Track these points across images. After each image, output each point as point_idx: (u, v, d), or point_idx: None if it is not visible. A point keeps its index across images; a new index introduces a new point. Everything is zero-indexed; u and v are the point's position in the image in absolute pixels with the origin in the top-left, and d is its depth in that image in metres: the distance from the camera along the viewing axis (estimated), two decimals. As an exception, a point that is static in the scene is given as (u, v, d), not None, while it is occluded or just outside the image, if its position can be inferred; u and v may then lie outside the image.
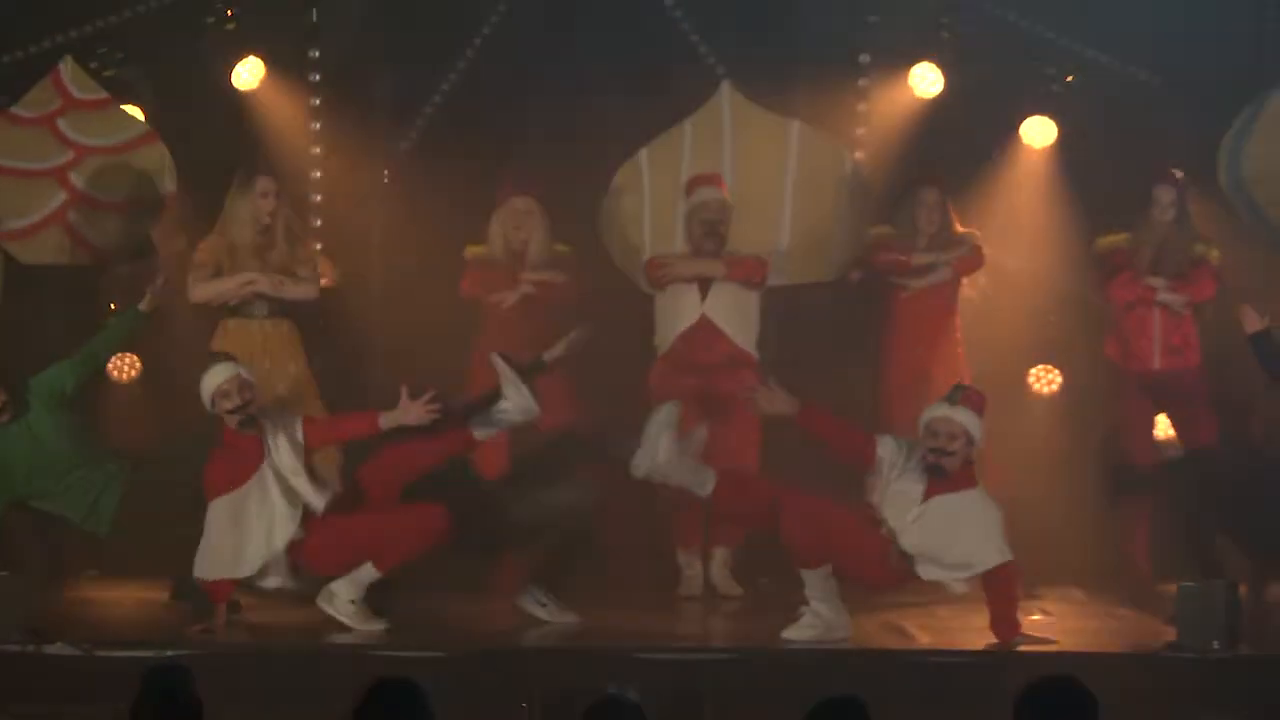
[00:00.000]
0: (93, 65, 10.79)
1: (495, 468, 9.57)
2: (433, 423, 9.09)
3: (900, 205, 10.57)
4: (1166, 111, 10.87)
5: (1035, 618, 9.57)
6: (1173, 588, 9.50)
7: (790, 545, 9.02)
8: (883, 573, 9.07)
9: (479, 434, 9.12)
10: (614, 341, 10.19)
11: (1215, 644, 8.75)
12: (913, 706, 7.56)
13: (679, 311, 10.11)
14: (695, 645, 9.12)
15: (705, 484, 8.93)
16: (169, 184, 10.61)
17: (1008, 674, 7.67)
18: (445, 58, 11.09)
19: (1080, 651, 8.96)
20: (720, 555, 10.16)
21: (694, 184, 10.28)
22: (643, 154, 10.77)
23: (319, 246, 10.82)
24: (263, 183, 10.16)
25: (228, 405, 9.10)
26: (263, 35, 11.00)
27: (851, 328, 10.93)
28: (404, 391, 9.11)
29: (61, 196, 10.60)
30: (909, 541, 8.83)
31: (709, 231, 10.11)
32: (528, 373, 9.16)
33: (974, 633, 9.07)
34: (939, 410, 8.97)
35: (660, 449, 8.83)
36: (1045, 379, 10.83)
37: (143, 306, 9.84)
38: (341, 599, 9.03)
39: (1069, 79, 10.94)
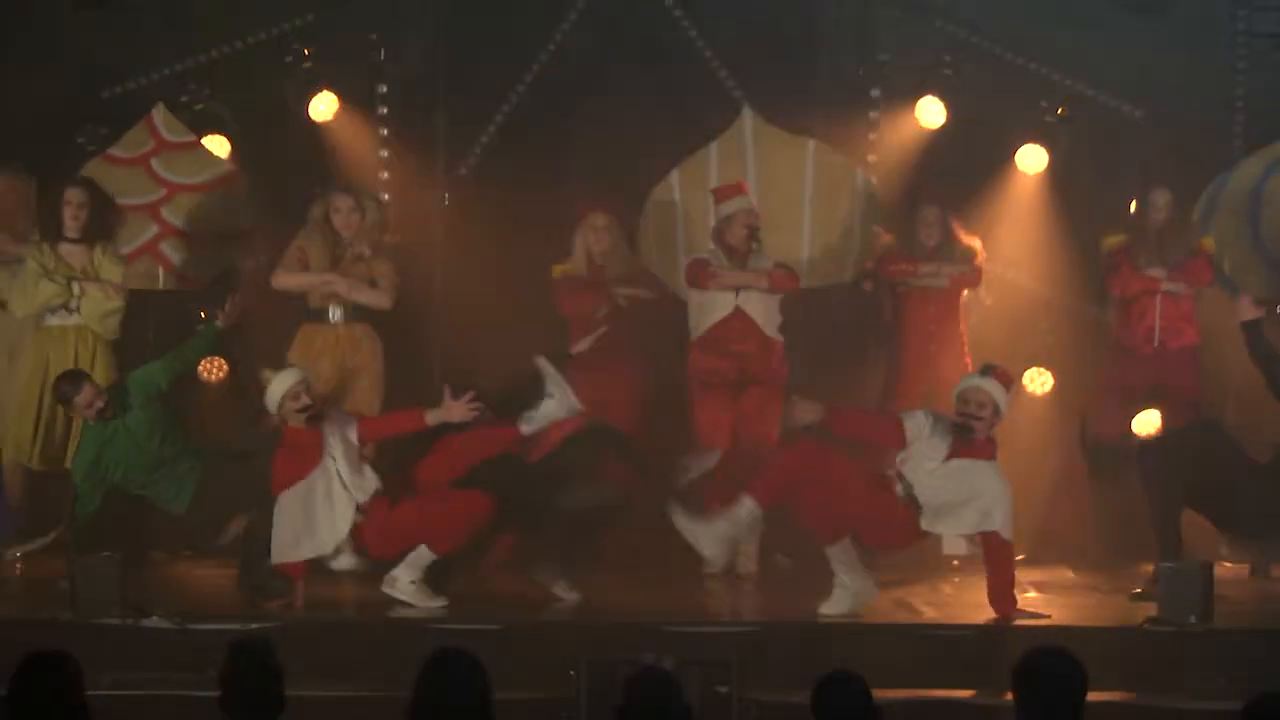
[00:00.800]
0: (183, 100, 10.82)
1: (537, 451, 9.48)
2: (474, 418, 9.13)
3: (904, 222, 10.55)
4: (1150, 141, 10.86)
5: (1030, 595, 9.56)
6: (1148, 567, 9.59)
7: (809, 528, 9.05)
8: (897, 534, 9.08)
9: (525, 429, 9.10)
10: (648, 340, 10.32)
11: (1192, 618, 8.74)
12: (921, 675, 7.56)
13: (715, 305, 10.03)
14: (723, 619, 9.08)
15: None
16: (248, 217, 10.62)
17: (1005, 646, 7.66)
18: (498, 94, 11.11)
19: (1070, 625, 8.94)
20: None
21: (724, 193, 10.17)
22: (675, 172, 10.76)
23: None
24: (339, 199, 10.18)
25: (295, 406, 9.11)
26: (336, 73, 10.98)
27: (864, 326, 10.93)
28: (447, 392, 9.13)
29: (154, 229, 10.63)
30: (922, 494, 8.82)
31: (751, 234, 10.05)
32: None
33: (975, 608, 9.06)
34: (972, 381, 9.00)
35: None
36: (1039, 380, 10.80)
37: (219, 323, 9.88)
38: (403, 581, 9.03)
39: (1060, 111, 10.90)
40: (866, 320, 10.92)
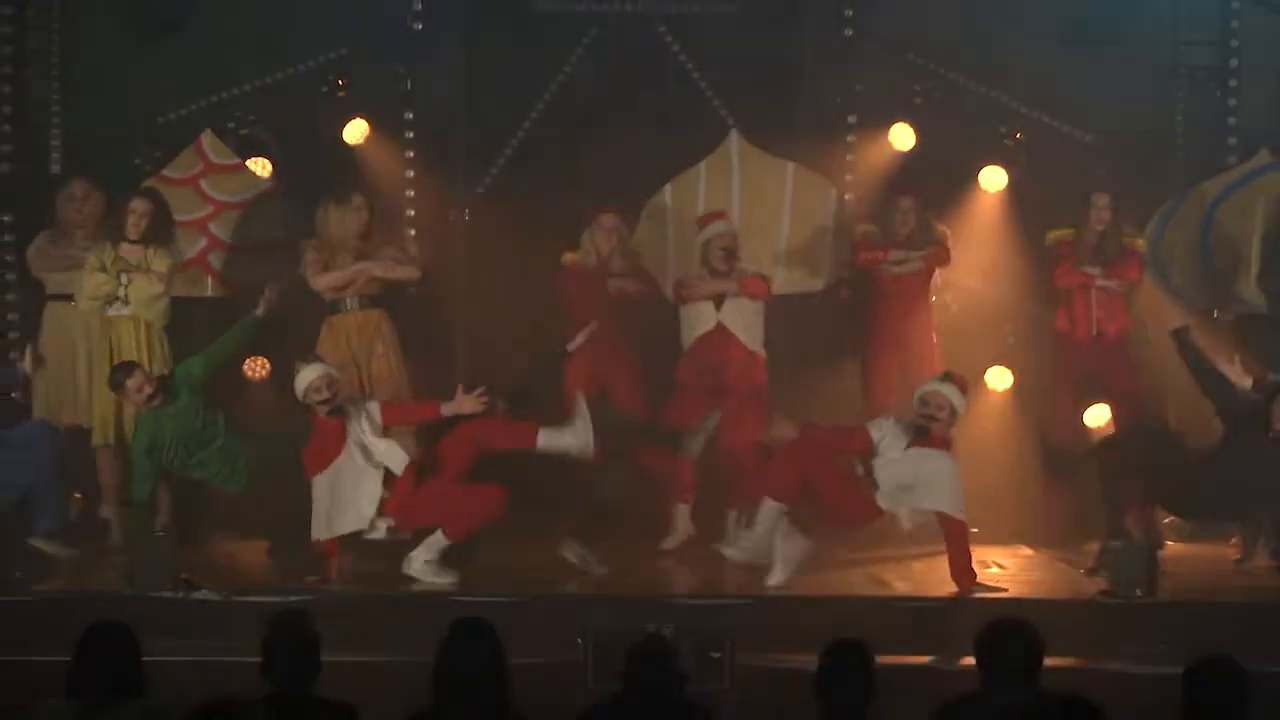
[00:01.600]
0: (230, 125, 10.82)
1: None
2: (486, 411, 9.11)
3: (882, 211, 10.54)
4: (1098, 162, 10.85)
5: (991, 570, 9.56)
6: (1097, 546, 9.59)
7: (827, 514, 9.08)
8: (859, 512, 9.08)
9: (540, 443, 9.06)
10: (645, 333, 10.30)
11: (1138, 592, 8.76)
12: (893, 643, 7.55)
13: (699, 320, 10.03)
14: (717, 593, 9.05)
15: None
16: (285, 231, 10.59)
17: (968, 616, 7.65)
18: (513, 119, 11.09)
19: (1029, 598, 8.95)
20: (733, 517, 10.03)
21: (707, 219, 10.23)
22: (667, 188, 10.75)
23: (412, 232, 10.86)
24: (356, 198, 10.18)
25: (318, 398, 9.14)
26: (367, 101, 10.97)
27: (839, 329, 10.90)
28: (460, 388, 9.17)
29: (203, 243, 10.61)
30: (880, 477, 8.89)
31: (727, 255, 10.06)
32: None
33: (942, 583, 9.04)
34: (931, 386, 9.08)
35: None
36: (999, 377, 10.79)
37: (258, 313, 9.86)
38: (418, 561, 9.03)
39: (1018, 136, 10.91)
40: (844, 325, 10.89)
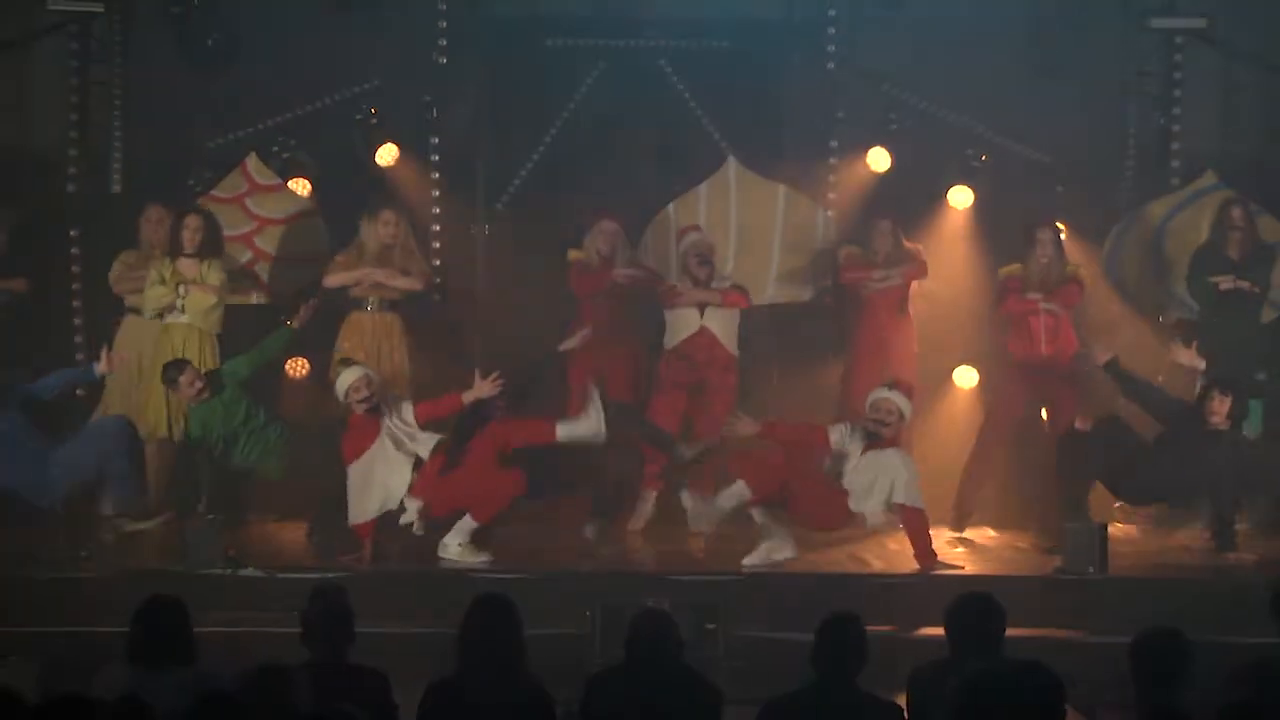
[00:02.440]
0: (274, 149, 10.81)
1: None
2: (510, 403, 9.14)
3: (861, 232, 10.51)
4: (1056, 182, 10.85)
5: (959, 550, 9.56)
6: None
7: (802, 515, 9.08)
8: (834, 517, 9.09)
9: (559, 434, 9.06)
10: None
11: (1091, 569, 8.76)
12: (871, 614, 7.54)
13: (685, 323, 10.02)
14: (711, 570, 9.04)
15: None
16: (323, 244, 10.61)
17: (939, 590, 7.66)
18: (529, 143, 11.06)
19: (992, 574, 8.97)
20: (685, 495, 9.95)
21: (683, 232, 10.25)
22: (672, 206, 10.74)
23: (437, 262, 10.83)
24: (386, 214, 10.20)
25: (357, 397, 9.14)
26: (397, 127, 10.94)
27: (824, 336, 10.86)
28: (477, 374, 9.21)
29: (249, 255, 10.63)
30: (848, 482, 8.91)
31: (702, 261, 10.04)
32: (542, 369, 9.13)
33: (913, 561, 9.03)
34: (880, 393, 9.09)
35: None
36: (966, 376, 10.78)
37: (294, 324, 9.88)
38: (452, 546, 9.04)
39: (984, 158, 10.89)
40: (828, 330, 10.86)
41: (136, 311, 10.17)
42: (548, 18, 11.33)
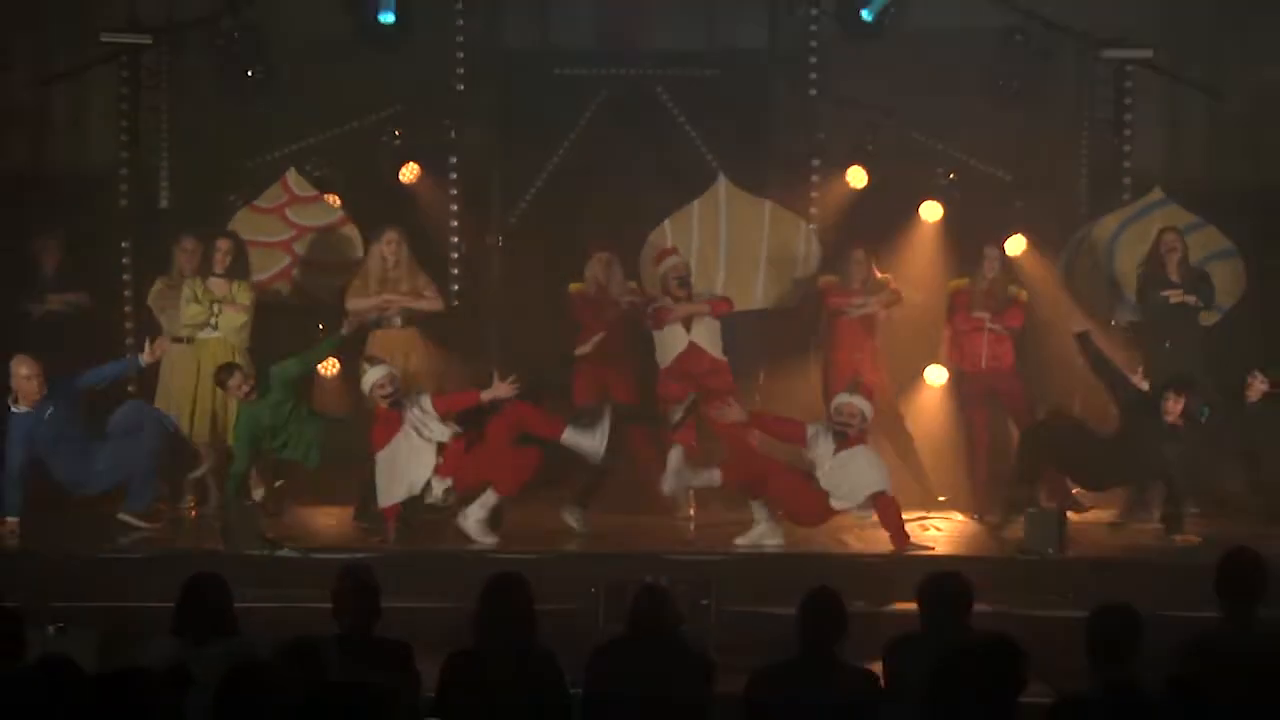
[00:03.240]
0: (307, 168, 10.80)
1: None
2: (520, 396, 9.11)
3: (838, 260, 10.49)
4: (1016, 199, 10.85)
5: (930, 533, 9.55)
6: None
7: (786, 509, 9.07)
8: (817, 515, 9.09)
9: (564, 439, 9.07)
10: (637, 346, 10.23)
11: (1050, 550, 8.76)
12: (849, 590, 7.54)
13: (674, 341, 9.97)
14: (704, 551, 9.04)
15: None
16: (357, 251, 10.61)
17: (911, 569, 7.64)
18: (538, 163, 11.07)
19: (960, 555, 8.96)
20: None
21: (662, 255, 10.19)
22: (666, 223, 10.71)
23: (455, 271, 10.78)
24: (388, 233, 10.18)
25: (380, 393, 9.14)
26: (419, 147, 10.92)
27: (806, 340, 10.83)
28: (496, 374, 9.20)
29: (287, 260, 10.62)
30: (826, 481, 8.90)
31: (681, 283, 9.99)
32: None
33: (888, 542, 9.02)
34: (843, 398, 9.10)
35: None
36: (936, 374, 10.76)
37: (344, 331, 9.88)
38: (472, 517, 9.03)
39: (951, 176, 10.89)
40: (808, 334, 10.85)
41: (177, 339, 10.11)
42: (555, 49, 11.36)
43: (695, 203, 10.74)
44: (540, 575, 6.20)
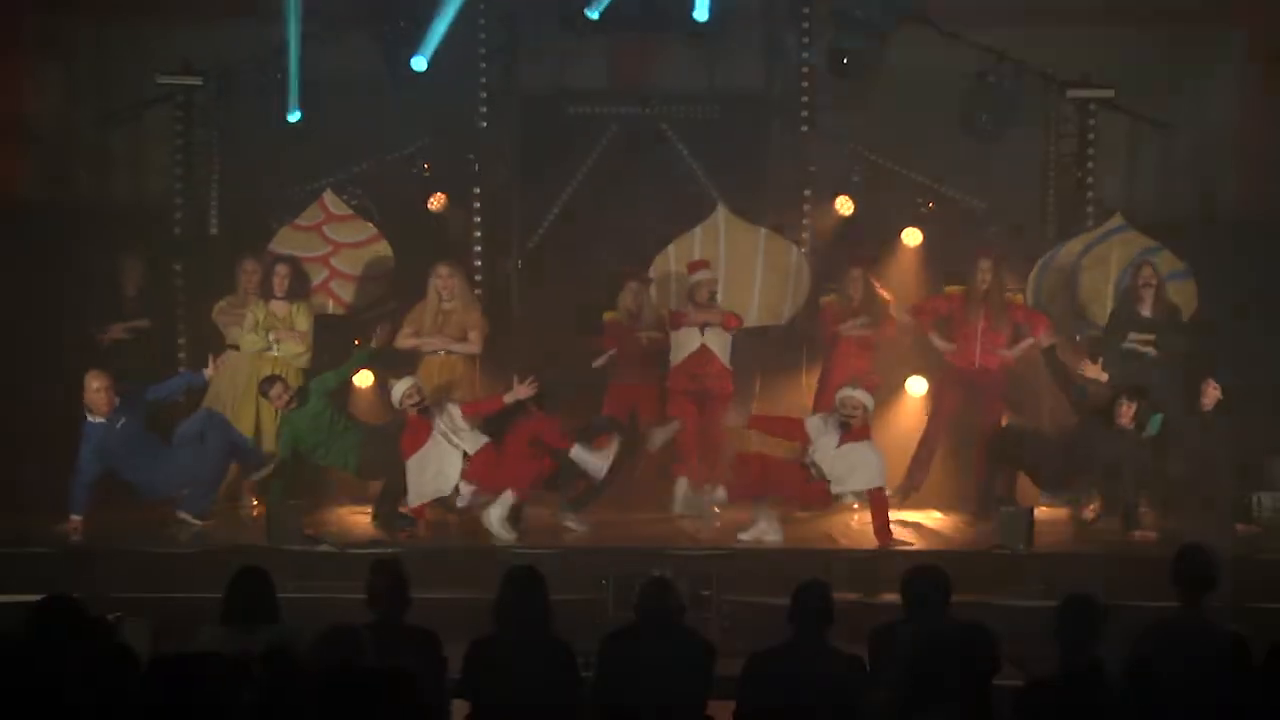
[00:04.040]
0: (344, 196, 10.82)
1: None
2: (538, 402, 9.16)
3: (837, 279, 10.47)
4: (988, 225, 10.84)
5: (910, 530, 9.53)
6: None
7: (790, 498, 9.18)
8: (818, 501, 9.10)
9: (572, 454, 9.12)
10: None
11: (1020, 545, 8.75)
12: (837, 582, 7.53)
13: (688, 342, 9.98)
14: (705, 546, 9.02)
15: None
16: (388, 265, 10.61)
17: (894, 563, 7.65)
18: (554, 193, 11.08)
19: (939, 550, 8.94)
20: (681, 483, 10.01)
21: (694, 267, 10.19)
22: (670, 248, 10.71)
23: (478, 292, 10.74)
24: (441, 268, 10.16)
25: (409, 402, 9.16)
26: (445, 178, 10.92)
27: (796, 353, 10.82)
28: (516, 378, 9.25)
29: (326, 273, 10.61)
30: (828, 471, 8.90)
31: (710, 296, 10.04)
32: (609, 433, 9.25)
33: (874, 539, 9.02)
34: (846, 391, 9.09)
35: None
36: (917, 384, 10.73)
37: (373, 345, 9.87)
38: (495, 516, 9.04)
39: (930, 205, 10.89)
40: (799, 348, 10.82)
41: (235, 347, 10.13)
42: (570, 90, 11.32)
43: (697, 229, 10.72)
44: (555, 569, 6.22)
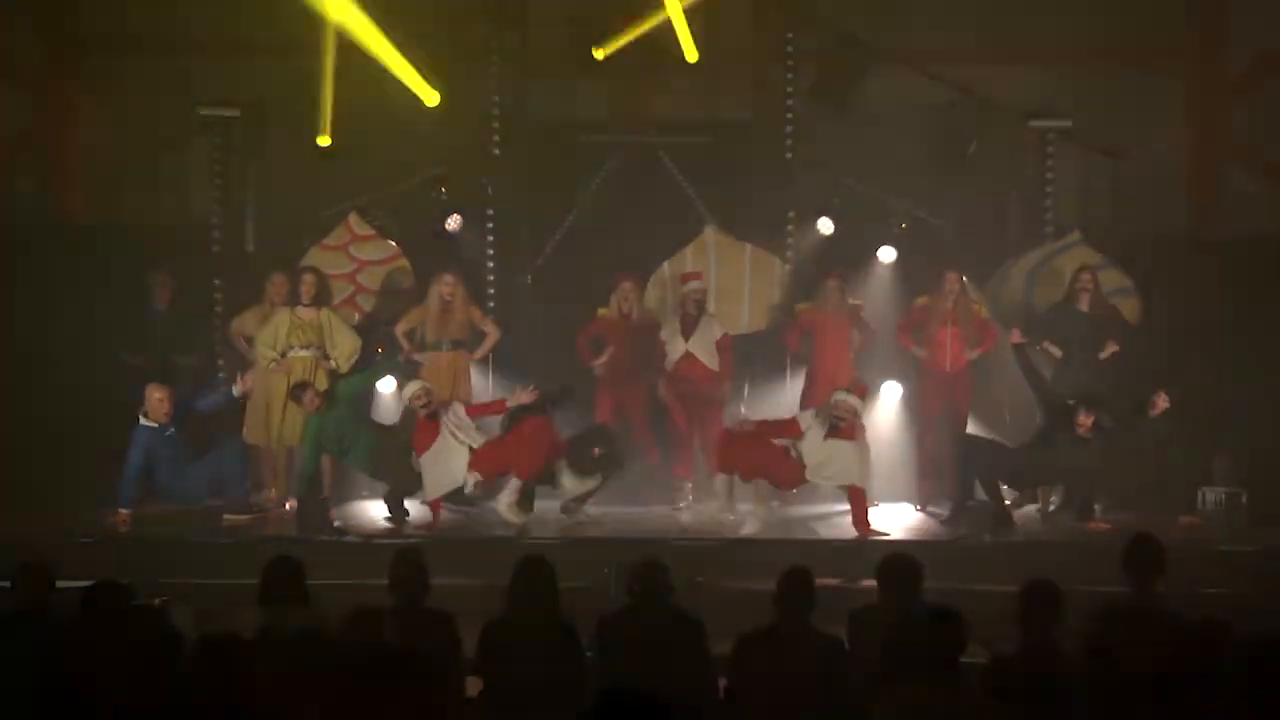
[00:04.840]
0: (367, 218, 10.83)
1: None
2: (547, 408, 9.16)
3: (815, 289, 10.46)
4: (955, 243, 10.83)
5: (887, 521, 9.53)
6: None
7: (774, 479, 9.12)
8: (791, 479, 9.09)
9: (563, 480, 9.21)
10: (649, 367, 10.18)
11: (986, 536, 8.75)
12: (819, 569, 7.51)
13: (675, 350, 10.01)
14: (698, 536, 9.04)
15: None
16: (409, 281, 10.62)
17: (872, 551, 7.62)
18: (561, 213, 11.08)
19: (913, 539, 8.93)
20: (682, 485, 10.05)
21: (686, 278, 10.21)
22: (666, 265, 10.72)
23: (492, 305, 10.76)
24: (445, 276, 10.16)
25: (419, 404, 9.15)
26: (462, 200, 10.92)
27: (782, 357, 10.81)
28: (518, 386, 9.34)
29: (351, 289, 10.61)
30: (808, 458, 8.90)
31: (699, 305, 10.02)
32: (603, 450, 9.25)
33: (851, 529, 9.03)
34: (839, 395, 9.07)
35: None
36: (891, 390, 10.70)
37: (401, 359, 9.89)
38: (504, 502, 9.08)
39: (903, 225, 10.90)
40: (784, 353, 10.82)
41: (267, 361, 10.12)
42: (575, 120, 11.33)
43: (688, 247, 10.74)
44: (561, 558, 6.19)
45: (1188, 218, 11.53)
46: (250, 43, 11.06)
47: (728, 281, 10.69)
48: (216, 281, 10.82)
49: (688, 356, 9.97)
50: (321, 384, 9.77)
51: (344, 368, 9.95)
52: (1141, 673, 4.94)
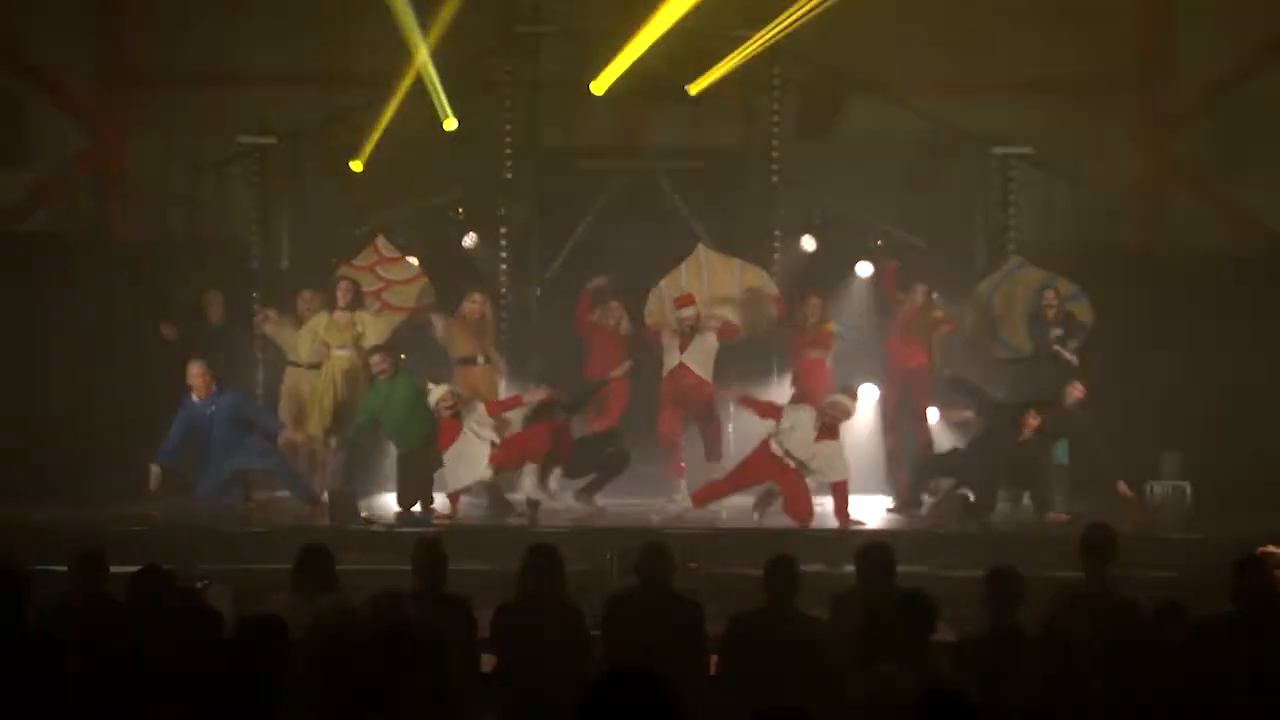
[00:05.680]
0: (393, 236, 10.80)
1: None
2: (565, 410, 9.16)
3: (798, 304, 10.44)
4: (927, 259, 10.82)
5: (883, 514, 9.50)
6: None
7: (790, 504, 9.05)
8: (807, 512, 9.03)
9: (574, 460, 9.23)
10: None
11: (955, 526, 8.73)
12: (804, 556, 7.50)
13: (671, 360, 9.99)
14: (694, 525, 9.01)
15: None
16: (431, 299, 10.53)
17: (852, 540, 7.59)
18: (567, 232, 11.06)
19: (888, 529, 8.92)
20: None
21: (680, 302, 10.15)
22: (662, 283, 10.65)
23: (505, 315, 10.75)
24: (474, 294, 10.14)
25: (443, 406, 9.11)
26: (477, 220, 10.91)
27: (768, 363, 10.79)
28: (532, 386, 9.41)
29: (378, 305, 10.53)
30: (807, 460, 8.87)
31: (691, 328, 9.99)
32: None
33: (832, 520, 9.01)
34: (835, 397, 9.10)
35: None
36: (869, 392, 10.63)
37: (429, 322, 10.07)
38: (527, 485, 9.14)
39: (880, 242, 10.88)
40: (770, 360, 10.79)
41: (295, 364, 10.09)
42: (580, 147, 11.32)
43: (683, 264, 10.69)
44: (568, 545, 6.19)
45: (1136, 235, 11.55)
46: (285, 76, 11.05)
47: (720, 291, 10.66)
48: (255, 294, 10.80)
49: (680, 366, 9.96)
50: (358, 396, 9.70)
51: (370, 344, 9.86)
52: (1096, 650, 4.93)
